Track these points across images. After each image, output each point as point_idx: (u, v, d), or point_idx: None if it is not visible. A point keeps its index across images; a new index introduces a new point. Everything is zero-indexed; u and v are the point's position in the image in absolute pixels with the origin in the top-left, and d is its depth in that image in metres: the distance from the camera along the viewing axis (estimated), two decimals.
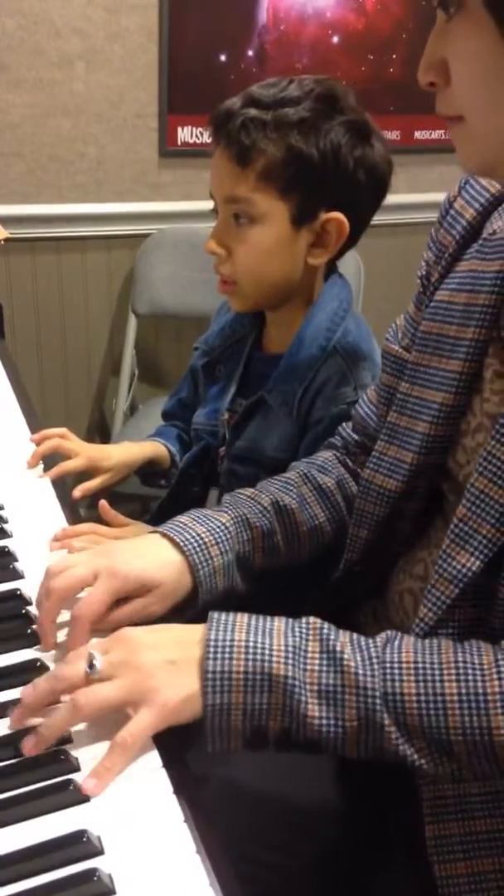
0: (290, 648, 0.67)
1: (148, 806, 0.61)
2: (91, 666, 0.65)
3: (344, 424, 1.03)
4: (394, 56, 2.19)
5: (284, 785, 0.84)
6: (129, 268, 2.16)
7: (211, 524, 0.86)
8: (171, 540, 0.82)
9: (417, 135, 2.29)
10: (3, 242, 1.64)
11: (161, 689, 0.65)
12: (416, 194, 2.32)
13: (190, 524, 0.85)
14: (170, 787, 0.62)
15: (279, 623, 0.70)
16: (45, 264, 2.10)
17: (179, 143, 2.08)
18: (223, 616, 0.69)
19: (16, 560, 0.89)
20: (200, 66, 2.03)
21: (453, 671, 0.66)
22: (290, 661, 0.66)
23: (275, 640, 0.68)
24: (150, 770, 0.64)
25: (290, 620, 0.70)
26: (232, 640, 0.67)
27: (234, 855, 0.62)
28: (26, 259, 2.07)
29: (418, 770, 0.67)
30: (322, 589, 0.98)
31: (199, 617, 0.85)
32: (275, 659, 0.66)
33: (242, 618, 0.70)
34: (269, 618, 0.71)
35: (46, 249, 2.08)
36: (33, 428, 1.18)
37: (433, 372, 0.83)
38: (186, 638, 0.69)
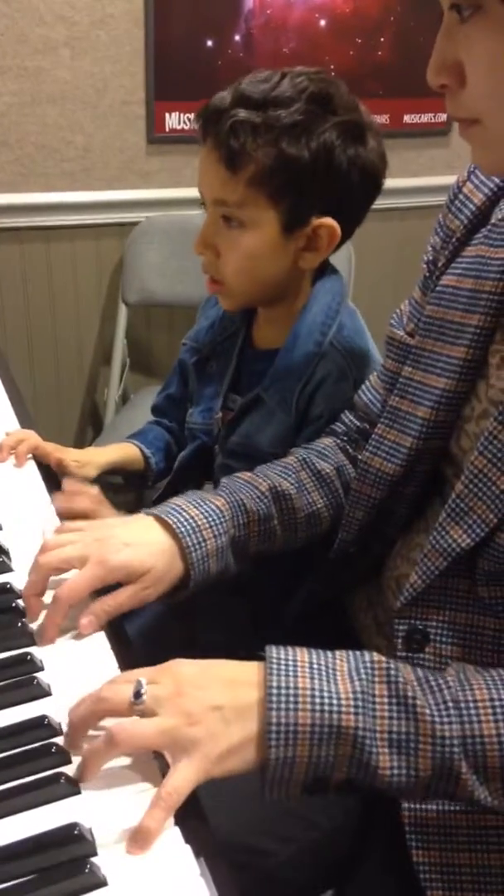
0: (358, 695, 0.63)
1: (139, 798, 0.61)
2: (137, 695, 0.62)
3: (346, 412, 1.03)
4: (382, 39, 2.17)
5: None
6: (118, 256, 2.14)
7: (205, 507, 0.86)
8: (164, 523, 0.83)
9: (406, 119, 2.28)
10: None
11: (202, 741, 0.61)
12: (405, 178, 2.31)
13: (184, 507, 0.85)
14: (160, 779, 0.62)
15: (342, 662, 0.66)
16: (33, 254, 2.08)
17: (167, 129, 2.06)
18: (283, 655, 0.65)
19: (5, 553, 0.88)
20: (187, 52, 2.01)
21: None
22: (360, 710, 0.62)
23: (340, 686, 0.63)
24: (142, 762, 0.64)
25: (353, 658, 0.66)
26: (296, 688, 0.63)
27: (230, 842, 0.62)
28: (14, 248, 2.06)
29: (488, 808, 0.65)
30: (318, 574, 0.98)
31: (191, 599, 0.86)
32: (343, 709, 0.62)
33: (303, 657, 0.65)
34: (329, 654, 0.66)
35: (34, 238, 2.07)
36: (23, 420, 1.17)
37: (436, 357, 0.82)
38: (238, 678, 0.64)
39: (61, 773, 0.62)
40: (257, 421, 1.09)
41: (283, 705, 0.62)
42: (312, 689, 0.63)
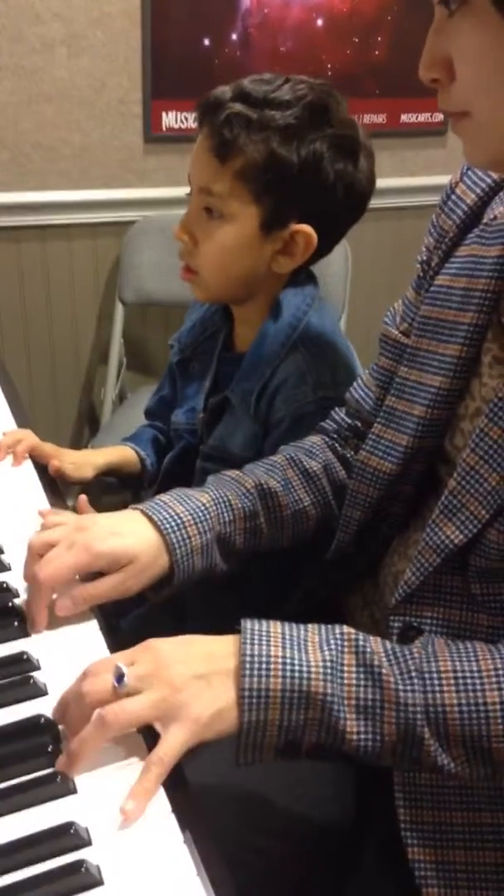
0: (327, 663, 0.66)
1: None
2: (119, 679, 0.63)
3: (336, 409, 1.03)
4: (379, 39, 2.17)
5: (275, 769, 0.85)
6: (115, 255, 2.14)
7: (191, 504, 0.86)
8: (150, 518, 0.83)
9: (403, 118, 2.28)
10: None
11: (191, 704, 0.63)
12: (402, 178, 2.31)
13: (170, 503, 0.86)
14: None
15: (313, 634, 0.69)
16: (30, 252, 2.08)
17: (164, 128, 2.06)
18: (257, 627, 0.68)
19: (1, 552, 0.88)
20: (184, 51, 2.01)
21: (493, 680, 0.66)
22: (328, 677, 0.65)
23: (310, 655, 0.66)
24: (137, 760, 0.64)
25: (324, 630, 0.69)
26: (268, 656, 0.65)
27: (227, 840, 0.63)
28: (11, 247, 2.06)
29: (452, 776, 0.67)
30: (315, 574, 0.98)
31: (177, 595, 0.85)
32: (312, 675, 0.65)
33: (276, 628, 0.68)
34: (302, 627, 0.69)
35: (31, 237, 2.06)
36: (19, 419, 1.17)
37: (431, 356, 0.83)
38: (215, 650, 0.67)
39: (57, 773, 0.62)
40: (229, 424, 1.10)
41: (255, 672, 0.65)
42: (284, 657, 0.66)
